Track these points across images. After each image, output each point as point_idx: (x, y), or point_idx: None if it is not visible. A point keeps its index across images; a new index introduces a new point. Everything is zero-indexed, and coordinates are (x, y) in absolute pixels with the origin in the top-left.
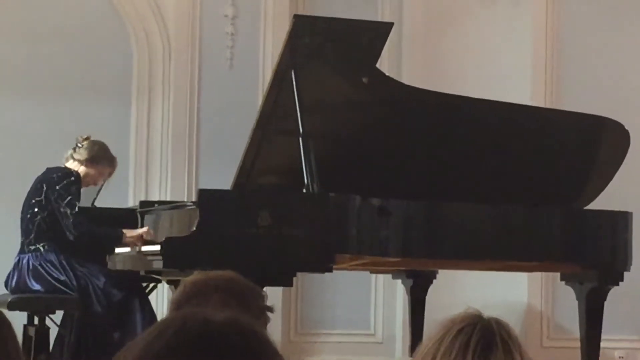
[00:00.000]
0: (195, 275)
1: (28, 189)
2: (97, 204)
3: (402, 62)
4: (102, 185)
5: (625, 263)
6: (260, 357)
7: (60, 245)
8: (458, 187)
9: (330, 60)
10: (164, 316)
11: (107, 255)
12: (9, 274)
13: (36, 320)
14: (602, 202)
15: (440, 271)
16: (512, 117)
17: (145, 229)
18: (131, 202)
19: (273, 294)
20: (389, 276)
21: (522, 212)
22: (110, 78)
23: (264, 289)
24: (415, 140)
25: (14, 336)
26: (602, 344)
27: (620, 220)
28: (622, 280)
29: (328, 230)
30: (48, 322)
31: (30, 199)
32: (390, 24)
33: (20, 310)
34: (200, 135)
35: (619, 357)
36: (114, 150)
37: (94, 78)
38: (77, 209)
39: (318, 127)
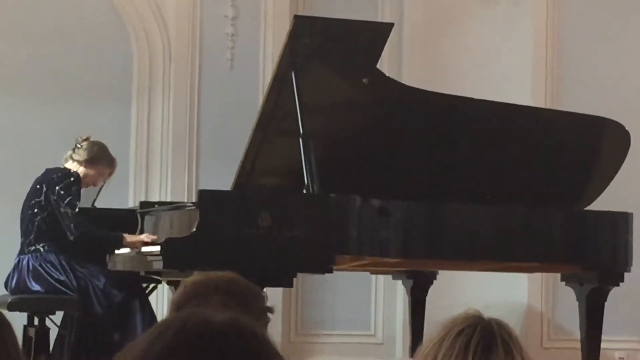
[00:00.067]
0: (196, 276)
1: (28, 189)
2: (98, 204)
3: (403, 63)
4: (102, 186)
5: (625, 264)
6: (260, 357)
7: (60, 245)
8: (458, 187)
9: (330, 60)
10: (164, 317)
11: (107, 256)
12: (9, 275)
13: (36, 321)
14: (603, 202)
15: (440, 272)
16: (512, 118)
17: (144, 235)
18: (131, 203)
19: (273, 295)
20: (389, 277)
21: (523, 212)
22: (111, 79)
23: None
24: (416, 141)
25: (14, 337)
26: (602, 345)
27: (620, 221)
28: (622, 281)
29: (328, 231)
30: (48, 322)
31: (30, 199)
32: (391, 25)
33: (20, 311)
34: (200, 136)
35: (619, 358)
36: (114, 151)
37: (94, 79)
38: (77, 209)
39: (318, 127)
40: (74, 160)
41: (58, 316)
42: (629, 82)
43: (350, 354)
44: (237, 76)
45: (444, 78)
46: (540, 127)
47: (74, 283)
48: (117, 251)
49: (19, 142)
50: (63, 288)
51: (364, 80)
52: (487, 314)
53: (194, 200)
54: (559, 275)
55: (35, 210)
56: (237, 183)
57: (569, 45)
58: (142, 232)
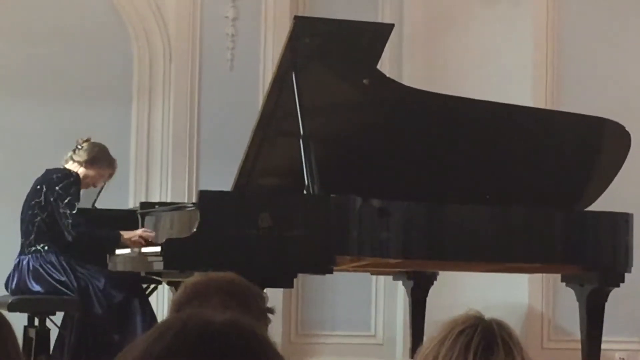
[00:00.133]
0: (196, 277)
1: (28, 190)
2: (98, 205)
3: (403, 63)
4: (102, 187)
5: (625, 264)
6: (260, 358)
7: (60, 246)
8: (459, 188)
9: (330, 61)
10: (165, 318)
11: (108, 257)
12: (9, 275)
13: (36, 322)
14: (603, 203)
15: (441, 272)
16: (512, 119)
17: (140, 230)
18: (131, 204)
19: (273, 296)
20: (390, 277)
21: (523, 213)
22: (111, 79)
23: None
24: (416, 142)
25: (14, 337)
26: (602, 346)
27: (620, 221)
28: (622, 281)
29: (328, 232)
30: (48, 323)
31: (30, 200)
32: (391, 25)
33: (21, 311)
34: (200, 137)
35: (620, 359)
36: (114, 152)
37: (94, 79)
38: (76, 209)
39: (319, 128)
40: (74, 161)
41: (58, 317)
42: (629, 82)
43: (350, 354)
44: (238, 77)
45: (444, 78)
46: (541, 128)
47: (74, 283)
48: (117, 251)
49: (19, 143)
50: (63, 288)
51: (365, 80)
52: (488, 314)
53: (194, 200)
54: (559, 276)
55: (36, 211)
56: (238, 183)
57: (569, 45)
58: None
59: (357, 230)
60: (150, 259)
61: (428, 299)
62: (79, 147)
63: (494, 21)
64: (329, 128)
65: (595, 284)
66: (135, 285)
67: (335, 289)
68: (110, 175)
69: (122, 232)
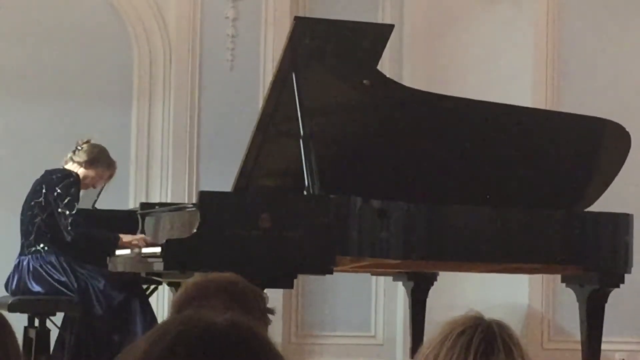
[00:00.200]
0: (196, 277)
1: (28, 191)
2: (98, 205)
3: (403, 64)
4: (102, 188)
5: (626, 265)
6: (261, 359)
7: (60, 246)
8: (459, 189)
9: (331, 62)
10: (165, 318)
11: (108, 257)
12: (10, 276)
13: (37, 322)
14: (603, 204)
15: (441, 273)
16: (512, 119)
17: (140, 236)
18: (132, 204)
19: (274, 296)
20: (390, 278)
21: (523, 214)
22: (111, 80)
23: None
24: (416, 142)
25: (15, 338)
26: (602, 346)
27: (621, 222)
28: (622, 282)
29: (329, 232)
30: (48, 324)
31: (30, 200)
32: (391, 26)
33: (21, 312)
34: (200, 137)
35: (620, 359)
36: (114, 152)
37: (94, 80)
38: (75, 210)
39: (319, 129)
40: (74, 161)
41: (58, 317)
42: (629, 83)
43: (350, 355)
44: (238, 77)
45: (445, 79)
46: (541, 129)
47: (75, 284)
48: (117, 252)
49: (19, 143)
50: (63, 289)
51: (365, 81)
52: (488, 315)
53: (194, 201)
54: (559, 276)
55: (35, 212)
56: (238, 184)
57: (569, 45)
58: (142, 233)
59: (357, 231)
60: (150, 259)
61: (428, 300)
62: (79, 148)
63: (494, 22)
64: (329, 129)
65: (595, 284)
66: (135, 285)
67: (336, 289)
68: (110, 177)
69: (121, 235)
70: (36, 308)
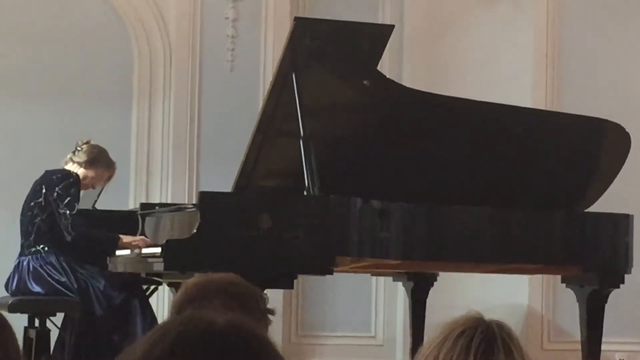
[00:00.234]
0: (197, 278)
1: (28, 191)
2: (98, 206)
3: (403, 65)
4: (102, 189)
5: (626, 265)
6: (261, 359)
7: (60, 247)
8: (459, 189)
9: (331, 62)
10: (165, 319)
11: (108, 258)
12: (10, 276)
13: (37, 323)
14: (603, 204)
15: (441, 273)
16: (512, 120)
17: (140, 238)
18: (132, 205)
19: (274, 297)
20: (390, 278)
21: (523, 214)
22: (111, 81)
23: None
24: (416, 143)
25: (15, 338)
26: (602, 347)
27: (621, 222)
28: (622, 282)
29: (328, 233)
30: (49, 324)
31: (30, 201)
32: (391, 27)
33: (21, 312)
34: (201, 138)
35: None
36: (114, 153)
37: (94, 81)
38: (75, 210)
39: (319, 129)
40: (73, 162)
41: (59, 318)
42: (629, 83)
43: (350, 355)
44: (238, 78)
45: (444, 79)
46: (541, 129)
47: (75, 284)
48: (117, 252)
49: (19, 144)
50: (63, 289)
51: (365, 82)
52: (488, 315)
53: (194, 201)
54: (559, 277)
55: (35, 212)
56: (238, 184)
57: (569, 45)
58: (142, 234)
59: (357, 231)
60: (150, 260)
61: (428, 300)
62: (79, 148)
63: (494, 22)
64: (329, 129)
65: (595, 285)
66: (135, 286)
67: (336, 289)
68: (110, 178)
69: (121, 236)
70: (36, 308)
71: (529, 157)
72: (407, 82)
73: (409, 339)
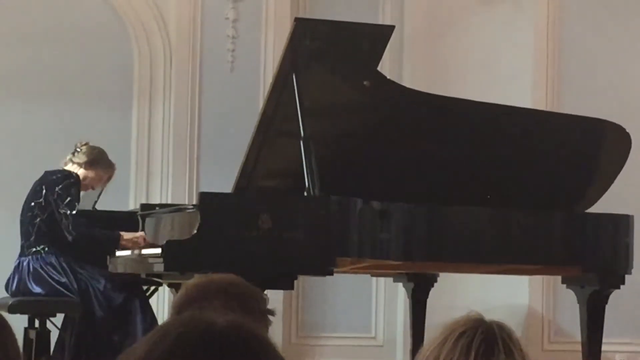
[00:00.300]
0: (197, 279)
1: (28, 192)
2: (98, 207)
3: (403, 65)
4: (102, 189)
5: (626, 266)
6: None
7: (60, 247)
8: (459, 190)
9: (331, 63)
10: (165, 320)
11: (108, 258)
12: (10, 277)
13: (37, 323)
14: (603, 205)
15: (441, 274)
16: (512, 120)
17: (140, 233)
18: (132, 205)
19: (274, 297)
20: (390, 279)
21: (523, 215)
22: (111, 81)
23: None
24: (417, 143)
25: (15, 339)
26: (603, 348)
27: (621, 223)
28: (623, 283)
29: (329, 233)
30: (49, 324)
31: (30, 201)
32: (392, 27)
33: (21, 313)
34: (201, 138)
35: None
36: (114, 153)
37: (95, 81)
38: (76, 210)
39: (319, 130)
40: (73, 162)
41: (59, 318)
42: (629, 83)
43: (350, 356)
44: (238, 78)
45: (445, 80)
46: (541, 129)
47: (75, 285)
48: (117, 253)
49: (19, 145)
50: (64, 290)
51: (365, 82)
52: (489, 316)
53: (194, 202)
54: (560, 277)
55: (35, 212)
56: (238, 185)
57: (569, 45)
58: None
59: (358, 232)
60: (150, 260)
61: (428, 301)
62: (78, 149)
63: (494, 22)
64: (329, 130)
65: (595, 285)
66: (135, 286)
67: (336, 290)
68: (109, 179)
69: (122, 233)
70: (36, 309)
71: (529, 157)
72: (407, 82)
73: (409, 340)
